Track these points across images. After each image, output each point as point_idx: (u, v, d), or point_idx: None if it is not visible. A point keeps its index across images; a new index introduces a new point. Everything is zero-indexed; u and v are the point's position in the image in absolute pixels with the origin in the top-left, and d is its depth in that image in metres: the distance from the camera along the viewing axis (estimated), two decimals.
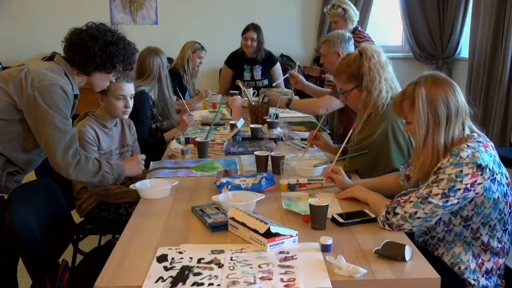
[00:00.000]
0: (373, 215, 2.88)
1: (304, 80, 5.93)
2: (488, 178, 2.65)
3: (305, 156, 4.05)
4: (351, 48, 5.12)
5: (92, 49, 3.29)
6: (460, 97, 2.78)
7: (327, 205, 2.77)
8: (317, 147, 4.15)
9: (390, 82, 3.61)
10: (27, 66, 3.25)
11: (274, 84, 7.04)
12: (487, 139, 2.82)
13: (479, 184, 2.64)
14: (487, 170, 2.63)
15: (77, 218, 3.96)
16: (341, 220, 2.82)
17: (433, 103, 2.75)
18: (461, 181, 2.62)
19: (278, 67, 7.46)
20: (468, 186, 2.62)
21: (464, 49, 9.09)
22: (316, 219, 2.76)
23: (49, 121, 3.17)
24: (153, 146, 4.70)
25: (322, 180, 3.41)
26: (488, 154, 2.69)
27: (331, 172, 3.33)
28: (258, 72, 7.34)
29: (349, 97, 3.71)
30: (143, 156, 3.75)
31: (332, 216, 2.86)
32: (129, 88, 3.90)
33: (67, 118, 3.25)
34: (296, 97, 6.21)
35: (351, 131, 3.54)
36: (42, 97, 3.14)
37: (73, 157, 3.25)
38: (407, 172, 3.24)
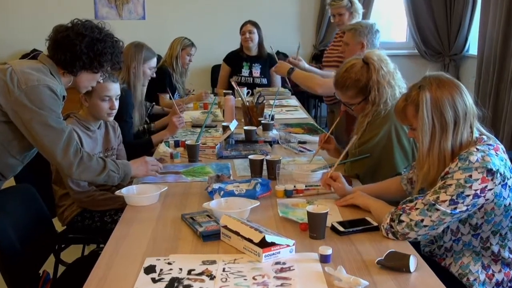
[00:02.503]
0: (375, 223, 2.88)
1: (306, 65, 5.95)
2: (499, 183, 2.65)
3: (302, 160, 4.05)
4: (377, 42, 5.08)
5: (78, 47, 3.29)
6: (468, 99, 2.77)
7: (326, 213, 2.77)
8: (327, 151, 4.12)
9: (399, 88, 3.61)
10: (11, 65, 3.25)
11: (278, 88, 7.07)
12: (498, 141, 2.82)
13: (490, 189, 2.64)
14: (498, 174, 2.63)
15: (59, 226, 3.96)
16: (341, 228, 2.82)
17: (439, 107, 2.73)
18: (470, 187, 2.61)
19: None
20: (478, 192, 2.62)
21: (472, 46, 9.12)
22: (314, 228, 2.76)
23: (41, 122, 3.18)
24: (139, 148, 4.68)
25: (320, 186, 3.41)
26: (499, 157, 2.69)
27: (330, 179, 3.32)
28: (257, 70, 7.38)
29: (355, 109, 3.71)
30: (151, 158, 3.75)
31: (332, 224, 2.86)
32: (115, 89, 3.90)
33: (59, 116, 3.28)
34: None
35: (352, 139, 3.53)
36: (31, 99, 3.15)
37: (74, 155, 3.29)
38: (410, 175, 3.24)
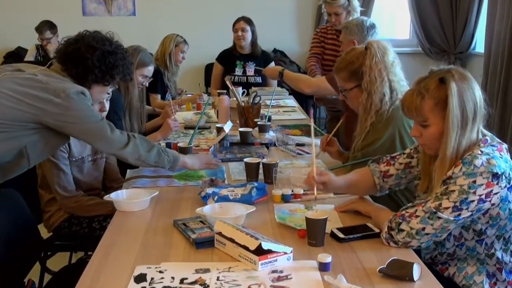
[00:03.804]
0: (377, 230, 2.88)
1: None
2: (505, 186, 2.65)
3: (301, 163, 4.05)
4: (370, 38, 5.05)
5: (90, 60, 3.31)
6: (481, 96, 2.75)
7: (326, 219, 2.77)
8: (329, 153, 4.12)
9: (396, 84, 3.60)
10: (35, 74, 3.25)
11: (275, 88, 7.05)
12: (499, 141, 2.80)
13: (495, 194, 2.63)
14: (503, 177, 2.62)
15: (44, 232, 3.96)
16: (341, 235, 2.82)
17: (463, 99, 2.68)
18: (474, 192, 2.60)
19: (273, 65, 7.48)
20: (483, 197, 2.61)
21: (479, 43, 9.11)
22: (313, 234, 2.77)
23: (82, 122, 3.28)
24: None
25: (320, 192, 3.41)
26: (504, 159, 2.67)
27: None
28: (251, 68, 7.38)
29: (349, 96, 3.71)
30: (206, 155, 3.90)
31: (331, 230, 2.86)
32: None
33: (96, 114, 3.40)
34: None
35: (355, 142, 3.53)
36: (70, 106, 3.19)
37: (121, 134, 3.41)
38: (384, 168, 3.21)
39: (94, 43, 3.36)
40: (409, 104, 2.83)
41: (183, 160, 3.68)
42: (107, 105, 3.86)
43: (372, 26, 5.11)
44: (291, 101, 6.94)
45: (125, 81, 3.66)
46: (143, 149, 3.44)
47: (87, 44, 3.35)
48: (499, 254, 2.79)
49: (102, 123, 3.34)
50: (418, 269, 2.44)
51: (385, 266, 2.46)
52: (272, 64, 7.55)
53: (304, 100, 8.65)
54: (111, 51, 3.40)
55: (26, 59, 8.85)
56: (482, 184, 2.60)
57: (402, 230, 2.72)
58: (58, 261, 4.15)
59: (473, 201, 2.61)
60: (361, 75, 3.60)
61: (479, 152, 2.65)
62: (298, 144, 4.58)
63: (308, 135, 5.02)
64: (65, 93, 3.17)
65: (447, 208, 2.64)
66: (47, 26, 8.81)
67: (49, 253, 3.95)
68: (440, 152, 2.77)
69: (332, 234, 2.85)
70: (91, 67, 3.33)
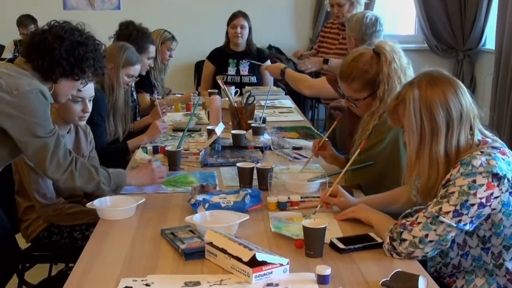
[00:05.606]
0: (379, 240, 2.87)
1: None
2: (506, 190, 2.66)
3: (297, 168, 4.05)
4: (372, 37, 5.12)
5: (57, 51, 3.27)
6: (465, 98, 2.76)
7: (325, 228, 2.77)
8: (323, 158, 4.11)
9: None
10: None
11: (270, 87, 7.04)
12: (504, 144, 2.82)
13: (496, 197, 2.65)
14: (505, 181, 2.64)
15: (22, 243, 3.95)
16: (341, 245, 2.83)
17: (429, 107, 2.73)
18: (474, 194, 2.62)
19: (268, 64, 7.46)
20: (484, 200, 2.62)
21: (489, 40, 9.12)
22: (311, 245, 2.77)
23: (30, 131, 3.18)
24: (113, 155, 4.66)
25: (318, 196, 3.40)
26: (506, 162, 2.69)
27: (329, 197, 3.30)
28: (245, 67, 7.35)
29: (360, 105, 3.69)
30: (158, 164, 3.81)
31: (331, 240, 2.87)
32: (89, 89, 3.85)
33: (49, 124, 3.26)
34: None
35: (358, 150, 3.52)
36: (22, 106, 3.14)
37: (63, 159, 3.28)
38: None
39: (63, 33, 3.32)
40: (388, 109, 2.98)
41: (129, 183, 3.62)
42: (89, 106, 3.85)
43: (374, 23, 5.12)
44: (288, 102, 6.93)
45: (97, 75, 3.58)
46: (80, 181, 3.35)
47: (54, 34, 3.31)
48: (508, 265, 2.79)
49: (50, 139, 3.24)
50: (424, 282, 2.44)
51: (388, 278, 2.46)
52: (268, 62, 7.53)
53: (302, 100, 8.65)
54: (81, 42, 3.36)
55: (4, 56, 8.85)
56: (482, 185, 2.62)
57: (405, 240, 2.72)
58: (37, 274, 4.14)
59: (473, 204, 2.62)
60: (377, 84, 3.58)
61: (479, 153, 2.68)
62: (295, 148, 4.57)
63: (306, 137, 5.03)
64: (18, 90, 3.13)
65: (447, 212, 2.65)
66: (30, 20, 8.83)
67: (27, 265, 3.95)
68: (406, 159, 2.88)
69: (332, 244, 2.85)
70: (59, 59, 3.28)
